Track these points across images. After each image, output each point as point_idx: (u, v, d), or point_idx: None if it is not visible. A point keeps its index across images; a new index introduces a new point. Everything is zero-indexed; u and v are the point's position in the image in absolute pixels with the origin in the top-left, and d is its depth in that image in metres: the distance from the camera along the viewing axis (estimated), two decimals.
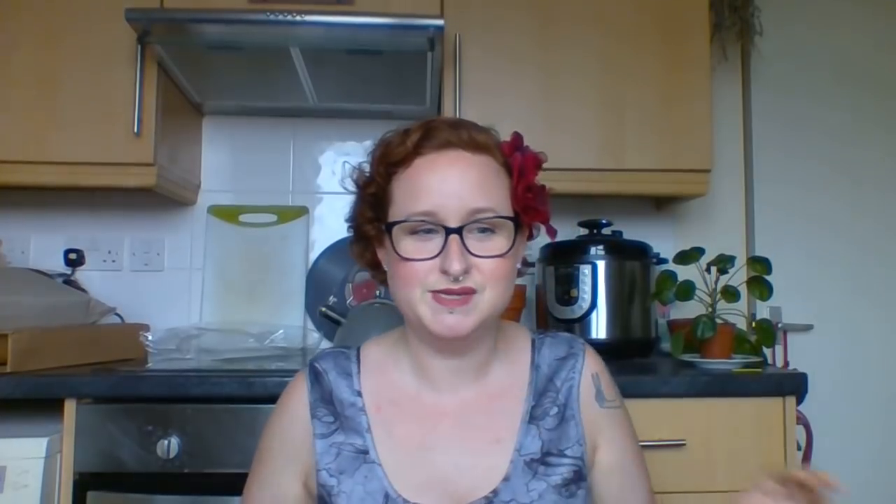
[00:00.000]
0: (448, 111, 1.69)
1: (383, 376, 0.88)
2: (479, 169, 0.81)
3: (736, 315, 1.56)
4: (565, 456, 0.84)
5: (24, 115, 1.64)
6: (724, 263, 1.54)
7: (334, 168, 2.06)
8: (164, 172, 1.72)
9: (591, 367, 0.90)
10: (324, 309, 1.82)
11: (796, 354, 2.01)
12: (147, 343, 1.60)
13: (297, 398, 0.88)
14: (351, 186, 0.89)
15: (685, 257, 1.59)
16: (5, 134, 1.64)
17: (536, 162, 0.85)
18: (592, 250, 1.70)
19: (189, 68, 1.73)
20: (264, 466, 0.88)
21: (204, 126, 2.05)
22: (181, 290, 1.99)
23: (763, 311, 2.01)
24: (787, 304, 2.03)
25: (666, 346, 1.75)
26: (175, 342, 1.63)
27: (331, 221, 2.04)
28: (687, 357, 1.54)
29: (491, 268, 0.79)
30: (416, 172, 0.80)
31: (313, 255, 2.03)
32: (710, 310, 1.55)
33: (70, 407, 1.33)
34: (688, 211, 2.07)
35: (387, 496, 0.80)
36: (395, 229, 0.80)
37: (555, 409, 0.86)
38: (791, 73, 2.13)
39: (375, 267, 0.90)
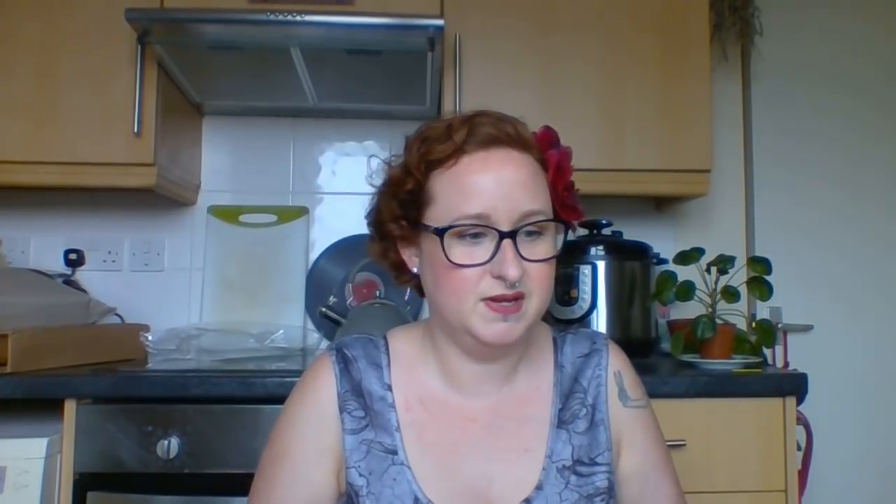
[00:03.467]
0: (448, 111, 1.68)
1: (412, 373, 0.84)
2: (528, 169, 0.77)
3: (736, 315, 1.56)
4: (597, 464, 0.82)
5: (25, 116, 1.64)
6: (724, 264, 1.54)
7: (334, 168, 2.06)
8: (164, 172, 1.72)
9: (613, 365, 0.87)
10: (324, 309, 1.82)
11: (796, 355, 2.00)
12: (147, 343, 1.60)
13: (325, 387, 0.82)
14: (378, 183, 0.84)
15: (685, 257, 1.59)
16: (6, 134, 1.64)
17: (570, 157, 0.83)
18: (592, 250, 1.70)
19: (189, 68, 1.73)
20: (292, 462, 0.81)
21: (204, 126, 2.05)
22: (181, 291, 1.99)
23: (763, 311, 2.01)
24: (787, 304, 2.02)
25: (666, 346, 1.75)
26: (175, 342, 1.63)
27: (331, 221, 2.04)
28: (687, 357, 1.54)
29: (539, 273, 0.76)
30: (464, 171, 0.76)
31: (313, 256, 2.03)
32: (710, 310, 1.55)
33: (70, 407, 1.33)
34: (688, 211, 2.07)
35: (416, 500, 0.77)
36: (446, 234, 0.75)
37: (584, 412, 0.84)
38: (791, 73, 2.13)
39: (399, 268, 0.86)
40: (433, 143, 0.78)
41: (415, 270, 0.83)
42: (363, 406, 0.82)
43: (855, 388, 2.05)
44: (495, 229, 0.74)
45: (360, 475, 0.79)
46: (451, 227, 0.75)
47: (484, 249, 0.74)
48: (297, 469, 0.80)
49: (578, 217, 0.84)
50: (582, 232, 1.79)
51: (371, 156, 0.88)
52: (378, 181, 0.84)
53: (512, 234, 0.74)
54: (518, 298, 0.75)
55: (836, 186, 2.11)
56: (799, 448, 1.59)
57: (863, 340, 2.08)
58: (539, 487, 0.79)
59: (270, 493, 0.81)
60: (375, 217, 0.85)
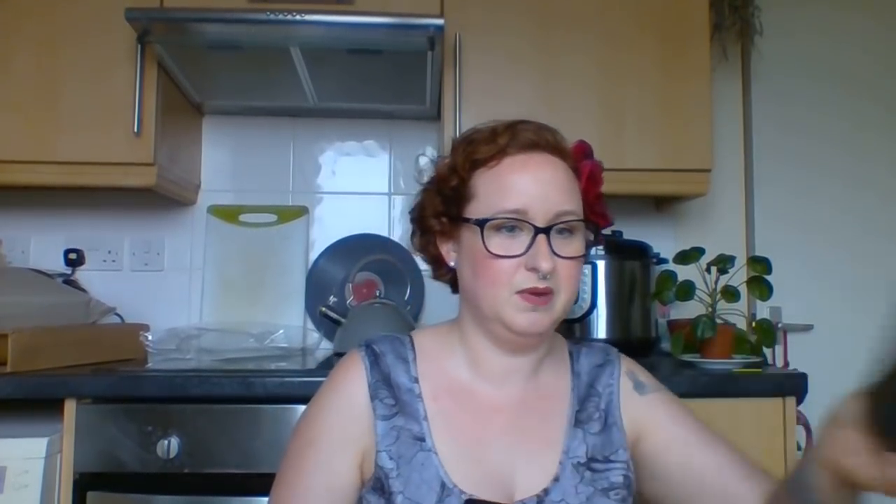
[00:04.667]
0: (448, 110, 1.68)
1: (439, 365, 0.89)
2: (564, 173, 0.84)
3: (736, 315, 1.56)
4: (611, 461, 0.86)
5: (25, 115, 1.64)
6: (724, 263, 1.54)
7: (335, 168, 2.06)
8: (164, 172, 1.72)
9: (625, 368, 0.94)
10: (324, 309, 1.82)
11: (796, 354, 2.01)
12: (147, 343, 1.60)
13: (356, 378, 0.86)
14: (425, 180, 0.92)
15: (685, 257, 1.59)
16: (6, 134, 1.64)
17: (601, 169, 0.91)
18: (592, 250, 1.68)
19: (189, 68, 1.73)
20: (317, 451, 0.84)
21: (204, 126, 2.05)
22: (181, 290, 1.99)
23: (763, 311, 2.01)
24: (788, 304, 2.02)
25: (666, 346, 1.75)
26: (175, 342, 1.63)
27: (331, 221, 2.04)
28: (687, 357, 1.54)
29: (568, 270, 0.82)
30: (506, 171, 0.83)
31: (313, 255, 2.03)
32: (710, 310, 1.55)
33: (70, 407, 1.33)
34: (688, 211, 2.07)
35: (443, 485, 0.80)
36: (486, 225, 0.81)
37: (597, 415, 0.89)
38: (791, 73, 2.13)
39: (437, 262, 0.92)
40: (478, 145, 0.85)
41: (451, 264, 0.89)
42: (393, 395, 0.85)
43: (855, 387, 2.05)
44: (531, 224, 0.80)
45: (391, 458, 0.81)
46: (491, 219, 0.81)
47: (520, 243, 0.81)
48: (322, 458, 0.83)
49: (607, 224, 0.92)
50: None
51: (419, 154, 1.01)
52: (425, 179, 0.92)
53: (546, 230, 0.80)
54: (547, 293, 0.80)
55: (836, 186, 2.11)
56: (799, 448, 1.59)
57: (863, 340, 2.06)
58: (556, 479, 0.83)
59: (295, 480, 0.84)
60: (419, 212, 0.91)
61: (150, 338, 1.61)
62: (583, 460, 0.85)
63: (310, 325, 1.98)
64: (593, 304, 1.66)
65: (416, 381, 0.87)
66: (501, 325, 0.82)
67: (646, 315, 1.72)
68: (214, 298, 1.96)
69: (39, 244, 1.97)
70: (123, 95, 1.64)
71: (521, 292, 0.80)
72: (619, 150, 1.71)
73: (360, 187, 2.06)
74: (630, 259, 1.71)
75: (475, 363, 0.88)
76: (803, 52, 2.14)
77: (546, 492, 0.82)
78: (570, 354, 0.95)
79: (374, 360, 0.88)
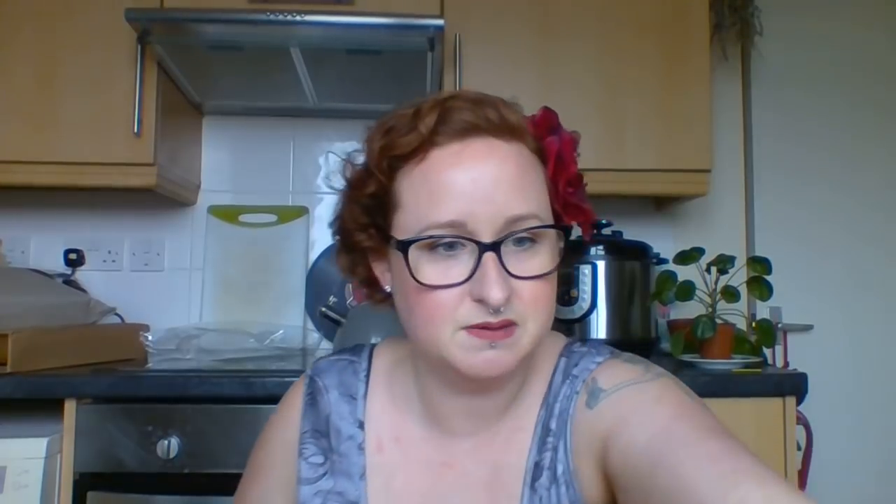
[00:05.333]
0: None
1: (392, 403, 0.73)
2: (516, 162, 0.62)
3: (736, 315, 1.56)
4: None
5: (25, 116, 1.64)
6: (723, 264, 1.54)
7: (334, 168, 2.06)
8: (164, 172, 1.72)
9: (591, 376, 0.67)
10: (324, 309, 1.82)
11: (796, 355, 2.01)
12: (147, 343, 1.60)
13: (290, 421, 0.75)
14: (340, 184, 0.71)
15: (685, 257, 1.59)
16: (5, 134, 1.64)
17: (574, 144, 0.68)
18: (592, 250, 1.70)
19: (189, 68, 1.73)
20: (256, 485, 0.76)
21: (204, 126, 2.05)
22: (181, 291, 1.99)
23: (763, 311, 2.01)
24: (787, 304, 2.02)
25: (666, 346, 1.75)
26: (175, 342, 1.63)
27: (331, 225, 2.03)
28: (687, 357, 1.54)
29: (533, 292, 0.61)
30: (434, 169, 0.61)
31: (313, 255, 2.03)
32: (709, 310, 1.55)
33: (70, 407, 1.33)
34: (688, 211, 2.07)
35: None
36: (411, 248, 0.61)
37: (550, 461, 0.66)
38: (791, 74, 2.13)
39: (371, 284, 0.72)
40: (396, 135, 0.63)
41: (387, 289, 0.69)
42: (324, 449, 0.72)
43: (855, 388, 2.05)
44: (473, 241, 0.59)
45: None
46: (416, 239, 0.60)
47: (462, 265, 0.60)
48: (264, 494, 0.76)
49: (586, 218, 0.70)
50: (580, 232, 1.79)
51: (328, 152, 0.73)
52: (335, 183, 0.71)
53: (495, 247, 0.59)
54: (507, 326, 0.60)
55: (836, 185, 2.11)
56: (799, 448, 1.59)
57: (863, 340, 2.08)
58: None
59: None
60: (340, 225, 0.71)
61: (150, 338, 1.61)
62: None
63: (310, 325, 1.98)
64: (593, 305, 1.67)
65: (361, 426, 0.72)
66: (450, 369, 0.62)
67: (646, 315, 1.72)
68: (214, 299, 1.96)
69: (39, 244, 1.97)
70: (123, 96, 1.64)
71: (469, 328, 0.60)
72: (618, 151, 1.71)
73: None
74: (630, 259, 1.71)
75: (428, 404, 0.70)
76: (803, 52, 2.14)
77: None
78: (556, 365, 0.71)
79: (312, 401, 0.74)
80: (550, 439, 0.66)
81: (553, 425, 0.67)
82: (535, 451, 0.67)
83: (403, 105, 0.65)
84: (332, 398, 0.74)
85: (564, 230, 0.65)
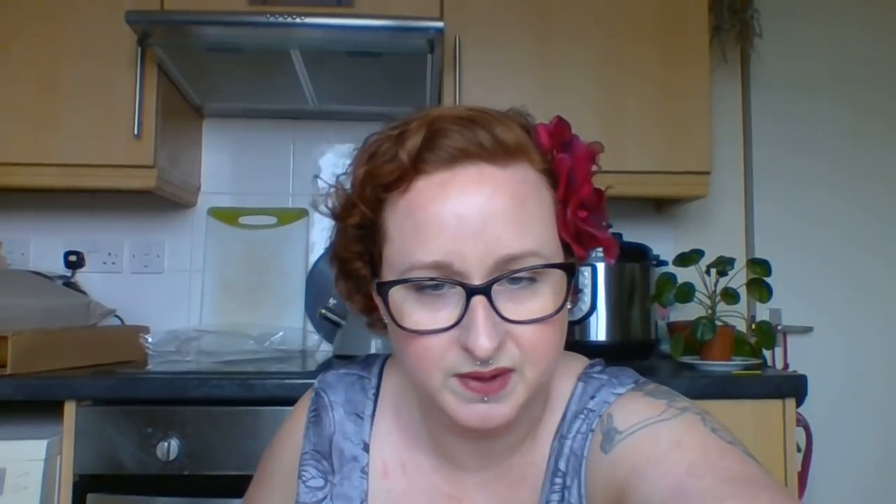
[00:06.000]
0: None
1: (400, 426, 0.68)
2: (513, 191, 0.55)
3: (735, 317, 1.56)
4: None
5: (25, 118, 1.64)
6: (723, 265, 1.54)
7: (334, 170, 2.06)
8: (165, 174, 1.72)
9: (607, 412, 0.60)
10: (324, 311, 1.82)
11: (796, 356, 2.01)
12: (147, 345, 1.60)
13: (294, 437, 0.72)
14: (323, 209, 0.64)
15: (685, 259, 1.59)
16: (6, 136, 1.64)
17: (590, 159, 0.61)
18: (592, 252, 1.70)
19: (189, 70, 1.73)
20: (260, 497, 0.74)
21: (204, 128, 2.05)
22: (181, 293, 1.99)
23: (763, 313, 2.01)
24: (787, 306, 2.02)
25: (666, 348, 1.75)
26: (175, 344, 1.63)
27: (331, 223, 2.03)
28: (687, 359, 1.54)
29: (532, 337, 0.54)
30: (418, 201, 0.55)
31: (313, 257, 2.03)
32: (709, 312, 1.55)
33: (70, 409, 1.33)
34: (687, 213, 2.07)
35: None
36: (392, 290, 0.56)
37: (559, 501, 0.60)
38: (791, 76, 2.13)
39: (371, 312, 0.66)
40: (379, 161, 0.57)
41: (385, 320, 0.61)
42: (325, 471, 0.68)
43: (855, 389, 2.05)
44: (461, 283, 0.54)
45: None
46: (396, 282, 0.55)
47: (450, 308, 0.54)
48: (268, 500, 0.74)
49: (600, 244, 0.61)
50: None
51: (315, 176, 0.64)
52: (322, 208, 0.64)
53: (485, 289, 0.53)
54: (501, 374, 0.54)
55: (837, 187, 2.11)
56: (799, 450, 1.59)
57: (863, 342, 2.08)
58: None
59: None
60: (334, 252, 0.65)
61: (149, 340, 1.61)
62: None
63: (310, 327, 1.98)
64: (593, 307, 1.66)
65: (366, 448, 0.68)
66: (446, 416, 0.57)
67: (645, 317, 1.72)
68: (214, 300, 1.96)
69: (39, 246, 1.97)
70: (124, 98, 1.64)
71: (460, 376, 0.55)
72: (618, 152, 1.71)
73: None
74: (630, 261, 1.71)
75: (434, 437, 0.66)
76: (802, 54, 2.14)
77: None
78: (573, 392, 0.64)
79: (316, 418, 0.70)
80: (559, 480, 0.61)
81: (563, 465, 0.61)
82: (547, 490, 0.61)
83: (392, 123, 0.59)
84: (337, 416, 0.70)
85: (569, 268, 0.56)
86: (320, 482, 0.68)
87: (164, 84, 1.72)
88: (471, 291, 0.53)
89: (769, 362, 1.82)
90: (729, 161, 2.08)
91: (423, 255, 0.54)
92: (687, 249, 1.61)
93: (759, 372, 1.45)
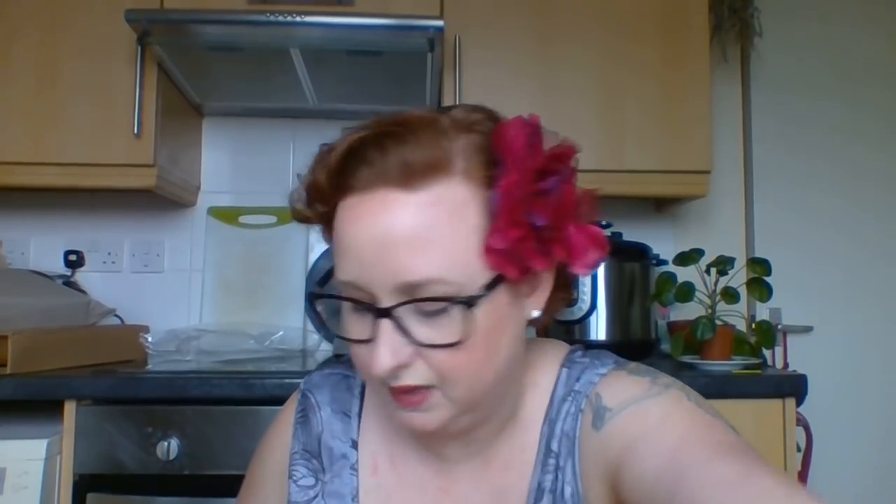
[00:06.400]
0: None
1: (386, 423, 0.69)
2: (418, 214, 0.53)
3: (735, 316, 1.56)
4: None
5: (24, 117, 1.64)
6: (723, 265, 1.54)
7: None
8: (164, 174, 1.72)
9: (595, 392, 0.63)
10: None
11: (796, 356, 2.01)
12: (147, 344, 1.60)
13: (282, 438, 0.72)
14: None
15: (685, 259, 1.59)
16: (5, 135, 1.64)
17: (549, 161, 0.56)
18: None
19: (189, 69, 1.73)
20: (252, 497, 0.75)
21: (204, 127, 2.05)
22: (181, 292, 1.99)
23: (763, 312, 2.01)
24: (787, 305, 2.02)
25: (666, 347, 1.75)
26: (175, 343, 1.63)
27: None
28: (687, 358, 1.54)
29: (445, 360, 0.55)
30: (338, 221, 0.57)
31: (313, 257, 2.02)
32: (709, 311, 1.55)
33: (70, 408, 1.33)
34: (687, 212, 2.07)
35: None
36: (315, 301, 0.61)
37: (554, 482, 0.62)
38: (791, 75, 2.13)
39: None
40: (312, 177, 0.59)
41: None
42: (315, 470, 0.69)
43: (855, 389, 2.05)
44: (369, 304, 0.55)
45: None
46: (319, 295, 0.60)
47: (368, 324, 0.55)
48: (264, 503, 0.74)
49: (548, 266, 0.58)
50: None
51: (297, 174, 0.62)
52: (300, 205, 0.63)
53: (388, 313, 0.54)
54: (414, 391, 0.56)
55: (837, 186, 2.11)
56: (799, 449, 1.59)
57: (863, 341, 2.08)
58: None
59: None
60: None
61: (149, 339, 1.61)
62: None
63: (310, 326, 1.97)
64: (593, 306, 1.66)
65: (355, 445, 0.68)
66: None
67: (645, 316, 1.72)
68: (214, 300, 1.96)
69: (39, 246, 1.97)
70: (123, 97, 1.64)
71: (389, 387, 0.57)
72: (618, 152, 1.71)
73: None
74: (630, 260, 1.71)
75: (409, 434, 0.67)
76: (803, 53, 2.14)
77: None
78: (558, 379, 0.66)
79: (304, 419, 0.71)
80: (552, 461, 0.63)
81: (555, 446, 0.63)
82: (539, 472, 0.63)
83: (347, 131, 0.58)
84: (324, 416, 0.71)
85: (467, 303, 0.54)
86: (311, 481, 0.68)
87: (163, 83, 1.72)
88: (377, 313, 0.54)
89: (769, 362, 1.82)
90: (729, 160, 2.08)
91: (341, 275, 0.56)
92: (687, 249, 1.61)
93: (759, 371, 1.45)
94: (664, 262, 1.76)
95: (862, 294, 2.09)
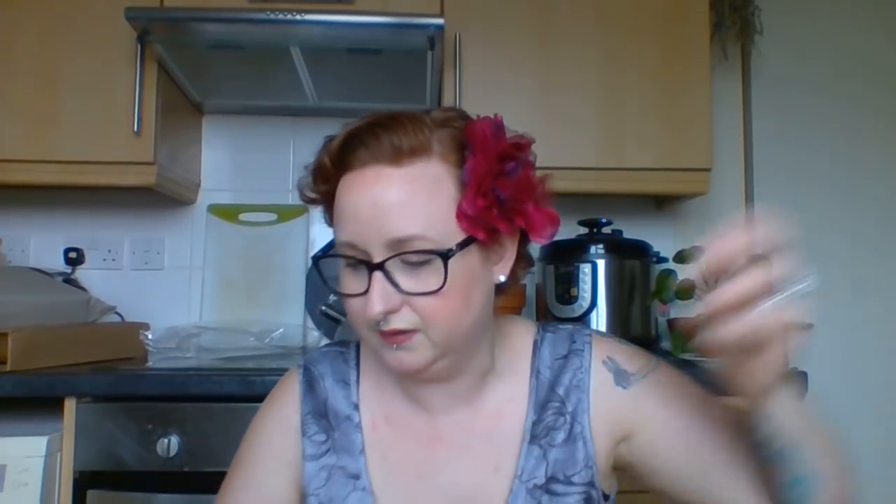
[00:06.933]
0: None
1: (381, 388, 0.79)
2: (403, 186, 0.66)
3: None
4: (572, 483, 0.73)
5: (25, 114, 1.64)
6: None
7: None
8: (164, 171, 1.72)
9: (600, 356, 0.77)
10: (324, 307, 1.82)
11: (796, 355, 2.00)
12: (147, 342, 1.60)
13: (290, 404, 0.80)
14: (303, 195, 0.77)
15: (685, 256, 1.59)
16: (6, 133, 1.64)
17: (505, 152, 0.68)
18: (592, 249, 1.70)
19: (189, 67, 1.73)
20: (252, 467, 0.80)
21: (204, 125, 2.05)
22: (181, 289, 1.99)
23: None
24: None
25: (666, 344, 1.75)
26: (175, 341, 1.63)
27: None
28: (687, 356, 1.54)
29: (428, 306, 0.66)
30: (338, 194, 0.69)
31: (313, 254, 2.02)
32: None
33: (70, 405, 1.33)
34: (688, 210, 2.07)
35: None
36: (321, 260, 0.73)
37: (561, 420, 0.74)
38: (791, 73, 2.13)
39: None
40: (317, 161, 0.73)
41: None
42: (325, 428, 0.78)
43: (855, 387, 2.05)
44: (364, 261, 0.67)
45: None
46: (321, 255, 0.75)
47: (363, 279, 0.67)
48: (254, 477, 0.79)
49: (510, 231, 0.70)
50: (582, 230, 1.79)
51: (305, 165, 0.76)
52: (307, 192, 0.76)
53: (380, 266, 0.65)
54: (397, 334, 0.67)
55: (837, 185, 2.11)
56: None
57: (863, 339, 2.08)
58: None
59: (225, 497, 0.79)
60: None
61: (149, 336, 1.61)
62: (541, 482, 0.72)
63: (310, 323, 1.98)
64: (593, 303, 1.67)
65: (357, 407, 0.78)
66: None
67: (646, 314, 1.72)
68: (214, 297, 1.97)
69: (39, 243, 1.97)
70: (123, 95, 1.64)
71: (378, 330, 0.68)
72: (618, 150, 1.71)
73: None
74: (630, 258, 1.72)
75: (405, 387, 0.77)
76: (803, 51, 2.14)
77: None
78: (535, 345, 0.79)
79: (310, 387, 0.80)
80: (556, 403, 0.75)
81: (561, 392, 0.75)
82: (533, 414, 0.75)
83: (345, 124, 0.71)
84: (327, 384, 0.80)
85: (443, 255, 0.65)
86: (323, 437, 0.77)
87: (163, 81, 1.72)
88: (370, 267, 0.66)
89: None
90: (729, 158, 2.08)
91: (341, 236, 0.68)
92: (687, 246, 1.61)
93: None
94: (664, 260, 1.76)
95: (862, 292, 2.09)
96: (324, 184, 0.72)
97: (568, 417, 0.74)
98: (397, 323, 0.67)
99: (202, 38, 1.58)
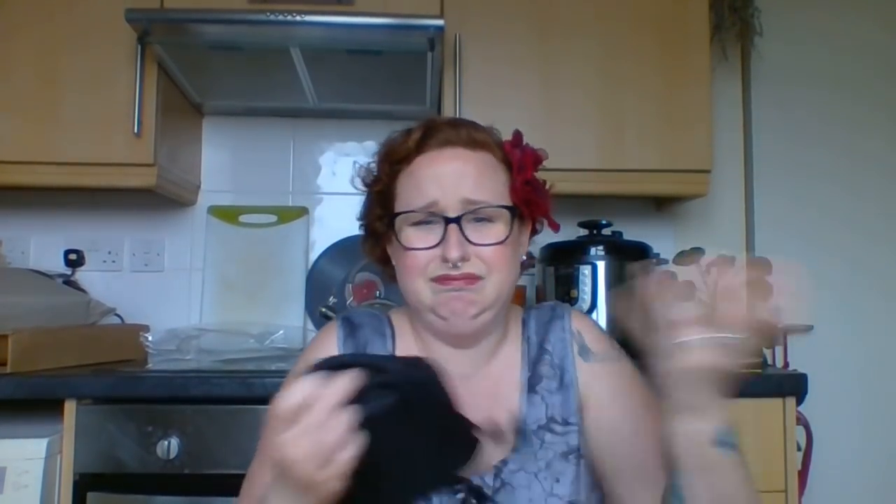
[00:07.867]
0: (448, 111, 1.69)
1: (412, 346, 0.90)
2: (476, 164, 0.85)
3: None
4: (569, 424, 0.85)
5: (25, 116, 1.64)
6: None
7: (334, 168, 2.06)
8: (164, 173, 1.72)
9: (574, 326, 0.91)
10: (324, 309, 1.82)
11: (796, 355, 2.00)
12: (147, 344, 1.60)
13: (328, 348, 0.89)
14: (360, 186, 0.93)
15: (685, 257, 1.58)
16: (5, 134, 1.64)
17: (535, 158, 0.90)
18: (592, 251, 1.70)
19: (189, 68, 1.73)
20: None
21: (204, 126, 2.05)
22: (181, 291, 1.99)
23: None
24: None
25: None
26: (175, 343, 1.63)
27: (331, 222, 2.03)
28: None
29: (490, 254, 0.82)
30: (418, 168, 0.85)
31: (313, 256, 2.03)
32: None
33: (70, 407, 1.33)
34: (688, 211, 2.07)
35: None
36: (399, 220, 0.85)
37: (552, 372, 0.88)
38: (791, 74, 2.13)
39: (386, 262, 0.93)
40: (394, 146, 0.88)
41: (394, 263, 0.90)
42: None
43: (855, 388, 2.05)
44: (441, 216, 0.82)
45: None
46: (402, 213, 0.85)
47: (435, 235, 0.82)
48: None
49: (541, 212, 0.91)
50: (582, 232, 1.79)
51: (355, 161, 0.95)
52: (359, 184, 0.94)
53: (456, 220, 0.81)
54: (467, 279, 0.81)
55: (836, 186, 2.11)
56: (799, 448, 1.59)
57: (863, 341, 2.08)
58: (515, 450, 0.83)
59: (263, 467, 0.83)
60: (363, 215, 0.94)
61: (150, 338, 1.61)
62: (542, 422, 0.85)
63: (310, 325, 1.98)
64: (593, 304, 1.67)
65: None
66: (431, 314, 0.84)
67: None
68: (214, 299, 1.96)
69: (39, 245, 1.97)
70: (124, 96, 1.64)
71: (435, 279, 0.82)
72: (619, 151, 1.71)
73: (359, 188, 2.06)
74: (630, 259, 1.71)
75: (430, 352, 0.88)
76: (803, 52, 2.14)
77: (504, 462, 0.82)
78: (523, 322, 0.93)
79: (350, 332, 0.91)
80: (547, 357, 0.89)
81: (549, 347, 0.89)
82: (528, 370, 0.88)
83: (403, 129, 0.89)
84: (366, 333, 0.91)
85: (510, 210, 0.85)
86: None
87: (163, 82, 1.72)
88: (448, 221, 0.82)
89: (769, 361, 1.82)
90: (730, 159, 2.08)
91: (420, 199, 0.83)
92: (687, 248, 1.61)
93: (759, 371, 1.45)
94: (664, 261, 1.76)
95: (863, 293, 2.09)
96: (393, 165, 0.87)
97: (558, 369, 0.88)
98: (469, 268, 0.81)
99: (202, 38, 1.58)
